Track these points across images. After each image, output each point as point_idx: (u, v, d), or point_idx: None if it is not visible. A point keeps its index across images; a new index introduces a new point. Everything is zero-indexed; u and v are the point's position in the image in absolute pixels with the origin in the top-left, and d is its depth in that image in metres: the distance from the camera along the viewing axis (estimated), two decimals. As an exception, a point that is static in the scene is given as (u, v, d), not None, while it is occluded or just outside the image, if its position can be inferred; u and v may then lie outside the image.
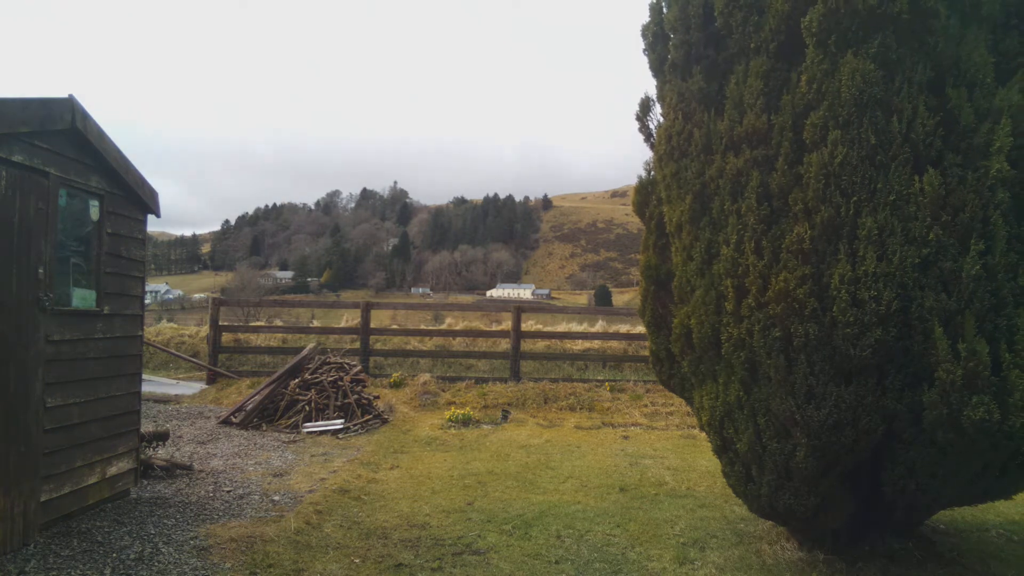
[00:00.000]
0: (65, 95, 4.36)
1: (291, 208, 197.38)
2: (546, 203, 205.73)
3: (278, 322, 18.49)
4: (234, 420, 8.65)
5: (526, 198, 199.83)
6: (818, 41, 3.77)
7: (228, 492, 5.56)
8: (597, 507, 5.56)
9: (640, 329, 12.16)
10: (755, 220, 3.95)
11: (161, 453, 6.39)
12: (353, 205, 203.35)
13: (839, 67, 3.68)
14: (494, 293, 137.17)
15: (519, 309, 12.29)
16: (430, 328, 18.16)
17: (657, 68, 4.92)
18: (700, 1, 4.42)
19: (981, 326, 3.36)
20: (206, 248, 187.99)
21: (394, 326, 17.39)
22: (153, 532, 4.46)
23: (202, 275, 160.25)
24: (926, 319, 3.47)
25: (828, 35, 3.74)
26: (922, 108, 3.57)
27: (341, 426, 8.47)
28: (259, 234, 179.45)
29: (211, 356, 12.08)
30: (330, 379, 9.16)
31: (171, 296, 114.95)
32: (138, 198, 5.16)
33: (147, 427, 6.76)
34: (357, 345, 11.98)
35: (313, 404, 8.77)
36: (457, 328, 16.05)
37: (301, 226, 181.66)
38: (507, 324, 12.83)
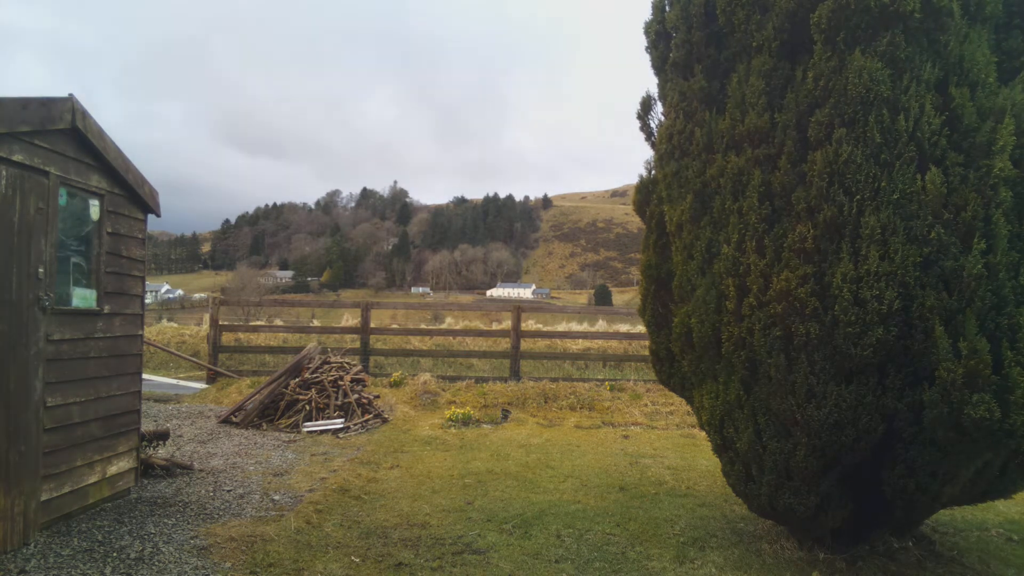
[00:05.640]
0: (65, 94, 4.36)
1: (291, 207, 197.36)
2: (546, 202, 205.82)
3: (278, 321, 18.51)
4: (234, 419, 8.65)
5: (526, 197, 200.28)
6: (827, 38, 3.77)
7: (228, 491, 5.56)
8: (597, 506, 5.56)
9: (640, 328, 12.16)
10: (756, 219, 3.95)
11: (161, 452, 6.39)
12: (353, 205, 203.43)
13: (847, 64, 3.67)
14: (494, 292, 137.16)
15: (519, 308, 12.29)
16: (430, 327, 18.18)
17: (659, 67, 4.92)
18: (702, 0, 4.41)
19: (982, 325, 3.35)
20: (206, 247, 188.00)
21: (394, 325, 17.40)
22: (153, 531, 4.46)
23: (202, 274, 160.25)
24: (927, 318, 3.47)
25: (837, 32, 3.74)
26: (928, 107, 3.57)
27: (341, 425, 8.47)
28: (259, 233, 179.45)
29: (211, 355, 12.08)
30: (330, 378, 9.15)
31: (171, 295, 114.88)
32: (138, 197, 5.15)
33: (147, 426, 6.76)
34: (357, 344, 11.98)
35: (313, 403, 8.77)
36: (457, 327, 16.08)
37: (301, 225, 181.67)
38: (507, 323, 12.84)
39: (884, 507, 4.12)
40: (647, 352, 5.36)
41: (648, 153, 5.15)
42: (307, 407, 8.73)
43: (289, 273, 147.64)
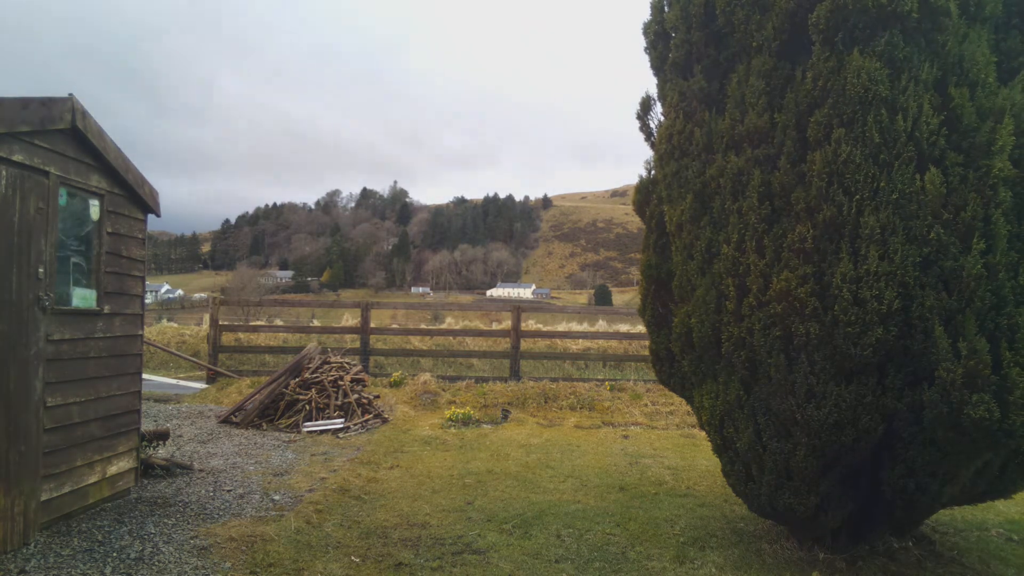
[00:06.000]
0: (65, 94, 4.36)
1: (291, 208, 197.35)
2: (546, 202, 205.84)
3: (278, 321, 18.51)
4: (234, 419, 8.65)
5: (526, 197, 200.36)
6: (825, 38, 3.77)
7: (228, 491, 5.56)
8: (597, 506, 5.56)
9: (640, 328, 12.16)
10: (756, 219, 3.95)
11: (161, 452, 6.39)
12: (353, 205, 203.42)
13: (845, 65, 3.67)
14: (494, 292, 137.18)
15: (519, 308, 12.29)
16: (430, 327, 18.18)
17: (658, 67, 4.92)
18: (702, 0, 4.42)
19: (982, 325, 3.36)
20: (206, 247, 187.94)
21: (394, 325, 17.39)
22: (153, 531, 4.46)
23: (202, 274, 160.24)
24: (927, 318, 3.47)
25: (835, 32, 3.74)
26: (927, 107, 3.57)
27: (341, 425, 8.47)
28: (259, 233, 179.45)
29: (211, 355, 12.08)
30: (330, 378, 9.15)
31: (171, 295, 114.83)
32: (139, 198, 5.16)
33: (147, 426, 6.76)
34: (357, 344, 11.98)
35: (313, 403, 8.77)
36: (457, 327, 16.06)
37: (301, 226, 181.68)
38: (507, 323, 12.83)
39: (884, 507, 4.12)
40: (647, 352, 5.37)
41: (648, 153, 5.16)
42: (307, 407, 8.73)
43: (289, 273, 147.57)
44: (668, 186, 4.60)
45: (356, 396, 9.08)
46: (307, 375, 9.15)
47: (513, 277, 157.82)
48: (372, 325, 12.27)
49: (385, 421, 9.10)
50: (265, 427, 8.49)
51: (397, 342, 14.27)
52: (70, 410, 4.46)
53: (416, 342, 14.72)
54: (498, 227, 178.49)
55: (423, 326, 19.77)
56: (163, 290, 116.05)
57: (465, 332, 14.40)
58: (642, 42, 4.98)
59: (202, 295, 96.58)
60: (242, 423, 8.48)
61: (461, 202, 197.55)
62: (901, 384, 3.64)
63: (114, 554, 4.04)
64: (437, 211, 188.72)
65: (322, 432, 8.28)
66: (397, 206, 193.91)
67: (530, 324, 16.12)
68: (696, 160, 4.39)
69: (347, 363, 9.76)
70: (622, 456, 7.48)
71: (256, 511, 5.08)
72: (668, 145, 4.61)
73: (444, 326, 17.65)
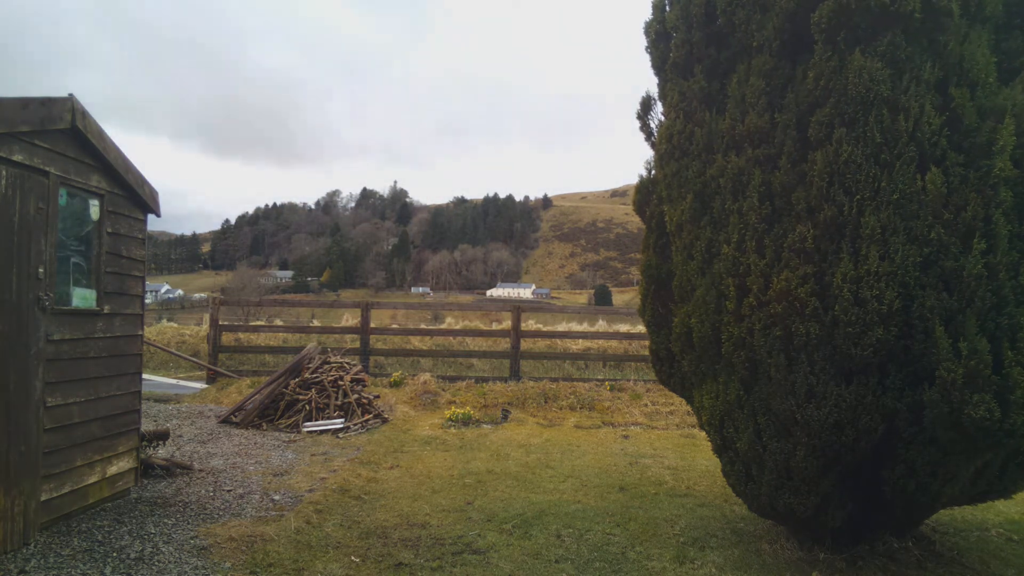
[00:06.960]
0: (65, 94, 4.36)
1: (291, 208, 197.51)
2: (546, 202, 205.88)
3: (278, 321, 18.51)
4: (234, 419, 8.65)
5: (526, 197, 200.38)
6: (827, 38, 3.77)
7: (228, 491, 5.56)
8: (597, 506, 5.56)
9: (640, 328, 12.16)
10: (757, 219, 3.95)
11: (161, 452, 6.38)
12: (353, 205, 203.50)
13: (847, 64, 3.67)
14: (494, 292, 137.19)
15: (519, 308, 12.28)
16: (430, 327, 18.17)
17: (659, 67, 4.92)
18: (702, 0, 4.41)
19: (982, 325, 3.36)
20: (206, 248, 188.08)
21: (394, 325, 17.38)
22: (153, 531, 4.46)
23: (202, 274, 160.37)
24: (927, 318, 3.47)
25: (837, 32, 3.74)
26: (929, 107, 3.57)
27: (341, 425, 8.47)
28: (259, 233, 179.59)
29: (211, 355, 12.08)
30: (330, 378, 9.15)
31: (171, 295, 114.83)
32: (139, 198, 5.16)
33: (147, 426, 6.75)
34: (357, 344, 11.98)
35: (313, 403, 8.77)
36: (457, 327, 16.07)
37: (301, 226, 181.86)
38: (507, 323, 12.83)
39: (884, 507, 4.12)
40: (647, 352, 5.37)
41: (648, 153, 5.15)
42: (307, 407, 8.73)
43: (289, 273, 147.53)
44: (668, 186, 4.60)
45: (356, 396, 9.07)
46: (307, 375, 9.15)
47: (513, 277, 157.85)
48: (372, 325, 12.27)
49: (385, 421, 9.10)
50: (265, 427, 8.49)
51: (397, 342, 14.26)
52: (70, 410, 4.46)
53: (416, 342, 14.71)
54: (498, 227, 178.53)
55: (423, 326, 19.76)
56: (163, 290, 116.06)
57: (465, 332, 14.39)
58: (643, 41, 4.98)
59: (202, 295, 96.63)
60: (242, 423, 8.48)
61: (461, 202, 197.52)
62: (901, 384, 3.64)
63: (114, 554, 4.03)
64: (437, 211, 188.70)
65: (322, 432, 8.28)
66: (397, 206, 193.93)
67: (530, 324, 16.12)
68: (696, 160, 4.39)
69: (347, 363, 9.76)
70: (622, 456, 7.48)
71: (256, 511, 5.08)
72: (668, 145, 4.61)
73: (444, 326, 17.65)
